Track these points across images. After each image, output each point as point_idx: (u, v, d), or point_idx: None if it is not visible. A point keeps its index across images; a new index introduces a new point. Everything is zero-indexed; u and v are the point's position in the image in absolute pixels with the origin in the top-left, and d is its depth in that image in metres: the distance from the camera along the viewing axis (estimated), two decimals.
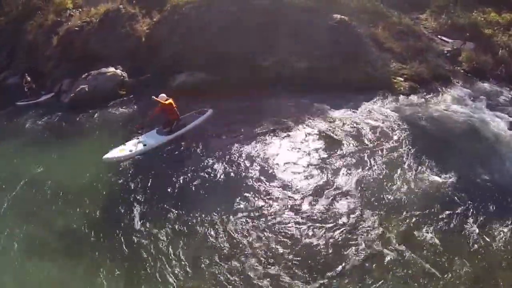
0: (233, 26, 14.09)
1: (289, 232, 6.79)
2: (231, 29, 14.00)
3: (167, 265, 6.16)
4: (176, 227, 7.03)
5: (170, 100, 10.09)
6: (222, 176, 8.55)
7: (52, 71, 17.33)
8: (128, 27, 16.02)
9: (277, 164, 8.90)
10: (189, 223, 7.12)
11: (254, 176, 8.43)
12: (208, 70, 13.14)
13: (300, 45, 14.15)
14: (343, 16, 14.25)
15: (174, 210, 7.48)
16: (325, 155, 9.08)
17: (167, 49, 14.46)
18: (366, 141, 9.62)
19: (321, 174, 8.39)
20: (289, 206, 7.47)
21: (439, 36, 17.28)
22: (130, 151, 9.38)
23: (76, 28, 17.49)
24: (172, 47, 14.32)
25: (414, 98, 12.49)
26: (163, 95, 10.16)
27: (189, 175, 8.61)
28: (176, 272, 5.99)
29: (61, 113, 13.49)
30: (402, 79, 13.56)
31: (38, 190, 8.63)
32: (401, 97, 12.50)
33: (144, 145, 9.62)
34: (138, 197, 7.95)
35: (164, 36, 14.86)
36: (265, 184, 8.13)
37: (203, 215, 7.25)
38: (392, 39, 15.62)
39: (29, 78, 16.67)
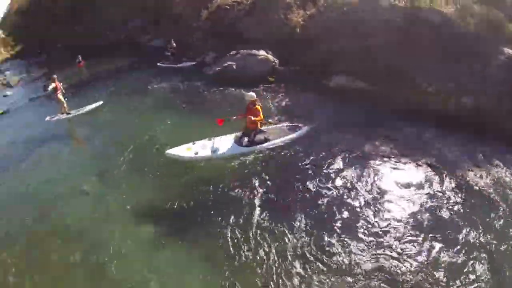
0: (398, 38, 12.72)
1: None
2: (396, 41, 12.64)
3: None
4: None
5: (258, 106, 8.13)
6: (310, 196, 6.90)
7: (196, 42, 17.69)
8: (283, 15, 15.59)
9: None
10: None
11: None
12: (367, 80, 11.89)
13: (466, 76, 12.24)
14: None
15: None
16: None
17: (323, 45, 13.57)
18: None
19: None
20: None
21: None
22: (196, 153, 8.16)
23: (227, 7, 17.67)
24: (329, 45, 13.38)
25: None
26: (253, 94, 8.27)
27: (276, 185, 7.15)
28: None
29: (202, 83, 13.43)
30: None
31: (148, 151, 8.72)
32: None
33: (213, 151, 8.20)
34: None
35: (320, 32, 14.04)
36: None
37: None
38: None
39: (174, 44, 17.30)
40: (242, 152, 8.17)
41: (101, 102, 13.78)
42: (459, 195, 6.58)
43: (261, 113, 8.01)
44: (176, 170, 7.95)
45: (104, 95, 14.83)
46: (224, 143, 8.34)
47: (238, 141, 8.37)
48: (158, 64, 17.56)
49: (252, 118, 7.94)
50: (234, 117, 8.33)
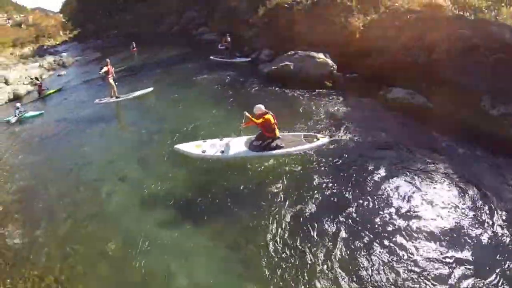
0: (466, 54, 11.96)
1: None
2: (463, 56, 11.90)
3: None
4: None
5: (269, 116, 7.77)
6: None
7: (252, 38, 17.59)
8: (343, 18, 15.19)
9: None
10: None
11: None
12: (427, 95, 11.28)
13: None
14: None
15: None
16: None
17: (382, 54, 13.07)
18: None
19: None
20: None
21: None
22: (203, 151, 8.01)
23: (286, 5, 17.44)
24: (388, 55, 12.87)
25: None
26: (260, 106, 7.90)
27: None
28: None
29: (256, 80, 13.11)
30: None
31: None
32: None
33: (222, 152, 8.02)
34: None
35: (380, 40, 13.52)
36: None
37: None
38: None
39: (229, 39, 17.27)
40: (250, 156, 7.95)
41: (150, 89, 13.88)
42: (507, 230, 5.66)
43: (271, 120, 7.77)
44: (214, 164, 7.82)
45: (154, 82, 15.02)
46: (235, 145, 8.17)
47: (249, 145, 8.16)
48: (211, 57, 17.53)
49: (270, 126, 7.80)
50: (243, 124, 8.12)
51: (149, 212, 6.37)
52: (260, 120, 7.71)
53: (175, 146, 8.25)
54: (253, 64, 15.42)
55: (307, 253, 5.23)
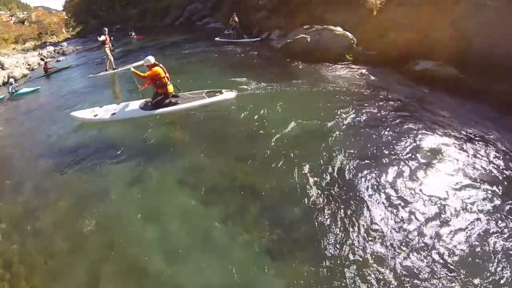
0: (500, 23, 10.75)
1: None
2: (495, 26, 10.69)
3: None
4: None
5: (157, 68, 7.22)
6: None
7: (261, 20, 16.48)
8: None
9: None
10: None
11: None
12: (459, 66, 10.05)
13: None
14: None
15: None
16: None
17: (403, 30, 11.87)
18: None
19: None
20: None
21: None
22: (95, 115, 7.68)
23: None
24: (411, 30, 11.66)
25: None
26: (149, 58, 7.33)
27: None
28: None
29: (266, 54, 11.99)
30: None
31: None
32: None
33: (113, 114, 7.63)
34: None
35: (400, 16, 12.36)
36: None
37: None
38: None
39: (236, 18, 16.13)
40: (141, 116, 7.47)
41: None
42: None
43: (161, 74, 7.22)
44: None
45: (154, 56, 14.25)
46: (129, 107, 7.83)
47: (143, 105, 7.76)
48: (217, 38, 16.45)
49: (159, 80, 7.29)
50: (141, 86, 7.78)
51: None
52: (147, 73, 7.22)
53: (71, 113, 7.94)
54: (264, 43, 14.17)
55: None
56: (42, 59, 20.99)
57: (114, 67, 13.15)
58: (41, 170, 5.92)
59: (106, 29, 13.01)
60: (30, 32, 42.52)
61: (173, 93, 7.61)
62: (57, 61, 21.38)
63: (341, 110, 6.68)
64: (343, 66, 10.22)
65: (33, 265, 3.94)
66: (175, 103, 7.61)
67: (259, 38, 14.98)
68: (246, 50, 13.31)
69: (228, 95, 7.92)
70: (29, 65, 20.55)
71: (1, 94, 13.33)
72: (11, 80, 13.64)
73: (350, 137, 5.68)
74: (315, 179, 4.66)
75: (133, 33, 24.52)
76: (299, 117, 6.36)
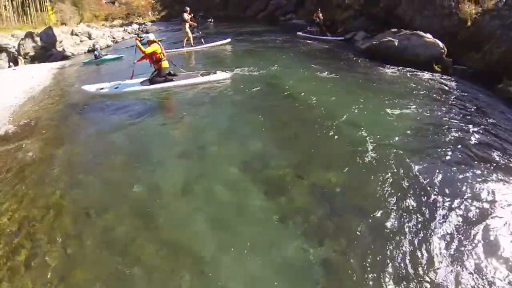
0: None
1: None
2: None
3: None
4: None
5: (155, 45, 8.34)
6: None
7: (346, 20, 16.44)
8: (453, 3, 13.44)
9: None
10: None
11: None
12: None
13: None
14: None
15: None
16: None
17: (498, 44, 11.13)
18: None
19: None
20: None
21: None
22: (101, 89, 8.68)
23: None
24: (507, 46, 10.90)
25: None
26: (150, 35, 8.80)
27: None
28: None
29: (351, 54, 11.92)
30: None
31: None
32: None
33: (116, 88, 8.69)
34: None
35: (499, 28, 11.60)
36: None
37: None
38: None
39: (320, 15, 16.23)
40: (139, 90, 8.50)
41: (228, 39, 14.81)
42: None
43: (157, 50, 8.30)
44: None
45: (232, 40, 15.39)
46: (132, 82, 8.87)
47: (142, 81, 8.77)
48: (299, 32, 16.65)
49: (155, 56, 8.37)
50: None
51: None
52: (148, 49, 8.26)
53: (82, 87, 8.99)
54: (347, 43, 14.18)
55: None
56: (137, 34, 23.25)
57: (192, 44, 14.12)
58: (100, 126, 6.81)
59: (188, 9, 14.02)
60: (119, 12, 46.72)
61: (168, 70, 8.70)
62: (142, 39, 23.38)
63: (425, 122, 6.21)
64: (430, 76, 9.70)
65: (75, 214, 4.18)
66: (170, 80, 8.69)
67: (343, 38, 14.92)
68: (328, 47, 13.37)
69: (222, 75, 8.93)
70: (113, 38, 23.10)
71: (88, 58, 15.43)
72: (97, 46, 15.41)
73: (432, 154, 5.08)
74: (395, 188, 4.21)
75: (211, 20, 26.11)
76: (381, 120, 6.17)
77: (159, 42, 8.51)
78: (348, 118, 6.19)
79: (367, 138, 5.35)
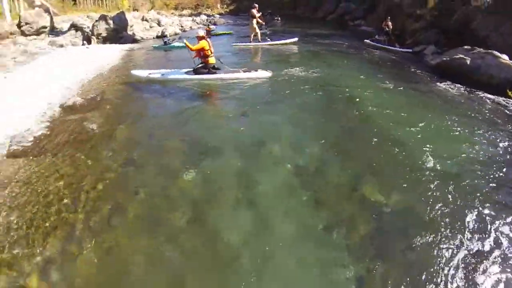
0: None
1: None
2: None
3: None
4: None
5: (203, 41, 9.04)
6: None
7: (417, 32, 16.04)
8: None
9: None
10: None
11: None
12: None
13: None
14: None
15: None
16: None
17: None
18: None
19: None
20: None
21: None
22: (149, 74, 9.73)
23: None
24: None
25: None
26: (200, 31, 9.60)
27: None
28: None
29: (420, 69, 11.63)
30: None
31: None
32: None
33: (163, 74, 9.71)
34: None
35: None
36: None
37: None
38: None
39: (390, 23, 15.97)
40: (182, 79, 9.45)
41: (295, 39, 15.31)
42: None
43: (205, 47, 9.02)
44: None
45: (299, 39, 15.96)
46: (180, 72, 9.73)
47: (186, 71, 9.59)
48: (366, 40, 16.57)
49: (204, 52, 9.13)
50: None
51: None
52: (195, 46, 9.01)
53: (131, 71, 10.12)
54: (416, 56, 13.89)
55: None
56: (207, 26, 24.79)
57: (259, 40, 14.85)
58: (160, 109, 7.69)
59: (257, 5, 14.73)
60: (188, 2, 49.43)
61: (214, 64, 9.45)
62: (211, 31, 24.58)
63: (495, 154, 5.62)
64: (504, 102, 8.94)
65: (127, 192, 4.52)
66: (214, 72, 9.41)
67: (410, 50, 14.62)
68: (395, 58, 13.24)
69: (263, 73, 9.53)
70: (182, 26, 24.60)
71: (157, 43, 17.13)
72: (166, 33, 17.21)
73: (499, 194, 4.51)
74: (452, 221, 3.96)
75: (278, 18, 27.21)
76: (446, 144, 5.85)
77: (208, 39, 9.24)
78: (411, 135, 6.05)
79: (430, 162, 5.13)
